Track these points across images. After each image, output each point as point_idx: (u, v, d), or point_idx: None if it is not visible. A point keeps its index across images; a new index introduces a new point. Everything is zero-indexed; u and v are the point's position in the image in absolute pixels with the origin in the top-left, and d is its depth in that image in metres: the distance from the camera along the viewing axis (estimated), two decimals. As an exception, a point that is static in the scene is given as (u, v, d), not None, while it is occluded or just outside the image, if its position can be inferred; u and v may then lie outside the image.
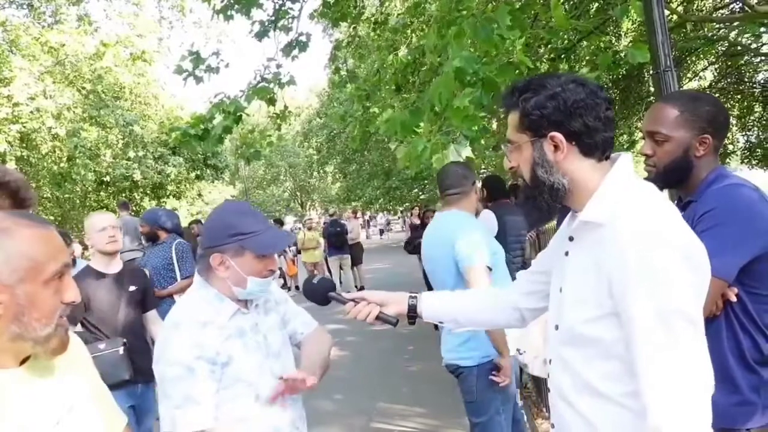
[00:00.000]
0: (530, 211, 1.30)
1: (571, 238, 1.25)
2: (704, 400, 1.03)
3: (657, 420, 1.02)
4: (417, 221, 12.19)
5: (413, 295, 1.59)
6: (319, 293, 1.63)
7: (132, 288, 3.11)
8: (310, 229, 12.33)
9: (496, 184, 4.61)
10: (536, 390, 4.65)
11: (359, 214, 22.17)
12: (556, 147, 1.19)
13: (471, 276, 2.46)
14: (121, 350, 2.91)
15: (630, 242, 1.06)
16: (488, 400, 2.55)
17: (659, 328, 1.02)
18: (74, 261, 4.95)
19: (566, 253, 1.27)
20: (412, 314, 1.57)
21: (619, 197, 1.14)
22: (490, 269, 2.50)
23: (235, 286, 1.64)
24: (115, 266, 3.11)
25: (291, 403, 1.73)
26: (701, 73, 12.77)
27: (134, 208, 16.58)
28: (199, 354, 1.53)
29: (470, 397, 2.60)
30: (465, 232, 2.56)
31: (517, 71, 3.44)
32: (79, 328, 2.95)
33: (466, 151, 3.30)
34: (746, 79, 12.33)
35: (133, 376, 2.94)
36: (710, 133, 1.63)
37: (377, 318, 1.55)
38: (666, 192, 1.82)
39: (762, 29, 8.31)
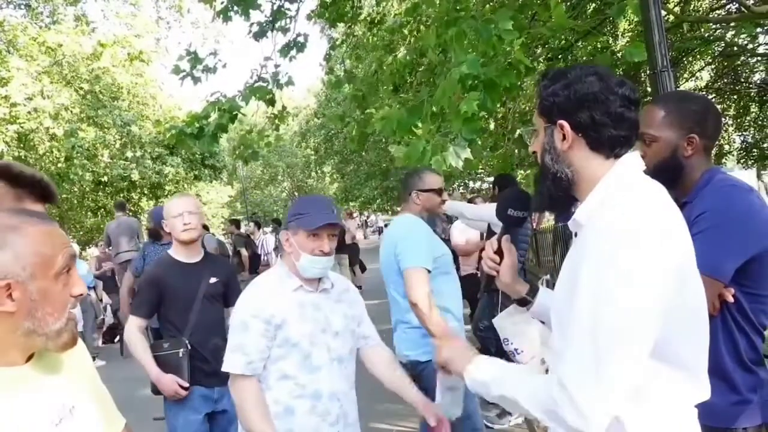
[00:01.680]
0: (539, 196, 1.31)
1: (575, 234, 1.26)
2: (615, 397, 1.03)
3: (562, 376, 1.05)
4: None
5: (534, 289, 1.49)
6: (507, 205, 1.47)
7: (213, 280, 2.79)
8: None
9: (506, 183, 4.62)
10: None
11: (355, 214, 22.14)
12: (564, 136, 1.20)
13: (406, 276, 2.60)
14: (180, 352, 2.66)
15: (593, 242, 1.07)
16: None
17: (588, 331, 1.04)
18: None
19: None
20: (530, 294, 1.47)
21: (604, 197, 1.14)
22: (429, 271, 2.60)
23: (296, 262, 1.93)
24: (196, 255, 2.82)
25: (337, 375, 1.96)
26: (698, 74, 12.79)
27: (132, 209, 16.57)
28: (255, 313, 1.86)
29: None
30: (407, 233, 2.71)
31: (515, 71, 3.45)
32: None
33: (466, 153, 3.31)
34: (742, 80, 12.36)
35: (206, 380, 2.71)
36: (697, 133, 1.63)
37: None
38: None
39: (758, 30, 8.34)
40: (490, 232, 4.45)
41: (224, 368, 1.88)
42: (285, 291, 1.93)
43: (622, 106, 1.16)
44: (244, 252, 8.90)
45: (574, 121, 1.18)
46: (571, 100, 1.18)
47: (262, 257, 10.18)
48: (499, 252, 1.45)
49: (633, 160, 1.20)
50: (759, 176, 16.99)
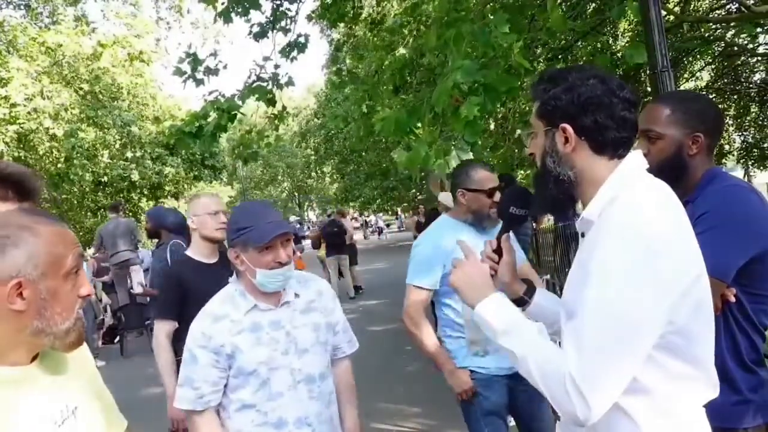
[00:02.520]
0: (539, 199, 1.33)
1: (582, 235, 1.26)
2: (614, 389, 1.05)
3: (570, 368, 1.04)
4: (423, 220, 12.18)
5: (531, 290, 1.47)
6: (509, 203, 1.49)
7: (232, 279, 2.87)
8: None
9: (506, 183, 4.64)
10: (534, 390, 4.66)
11: (351, 214, 22.12)
12: (567, 140, 1.20)
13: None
14: None
15: (606, 237, 1.08)
16: (466, 408, 2.53)
17: (601, 318, 1.05)
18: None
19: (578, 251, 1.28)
20: (527, 296, 1.45)
21: (614, 195, 1.15)
22: (427, 289, 2.47)
23: (253, 280, 1.76)
24: (215, 255, 2.78)
25: (306, 397, 1.80)
26: (698, 74, 12.79)
27: (132, 209, 16.59)
28: (204, 344, 1.73)
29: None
30: (419, 242, 2.59)
31: (515, 74, 3.45)
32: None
33: (468, 156, 3.30)
34: (742, 80, 12.35)
35: None
36: (702, 132, 1.64)
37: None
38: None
39: (758, 30, 8.33)
40: None
41: (175, 404, 1.77)
42: (237, 314, 1.77)
43: (624, 108, 1.18)
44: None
45: (578, 125, 1.19)
46: (575, 104, 1.18)
47: None
48: (498, 251, 1.44)
49: (637, 159, 1.22)
50: (747, 176, 16.96)
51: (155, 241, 5.15)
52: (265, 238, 1.69)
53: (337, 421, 1.94)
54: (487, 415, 2.50)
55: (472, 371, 2.47)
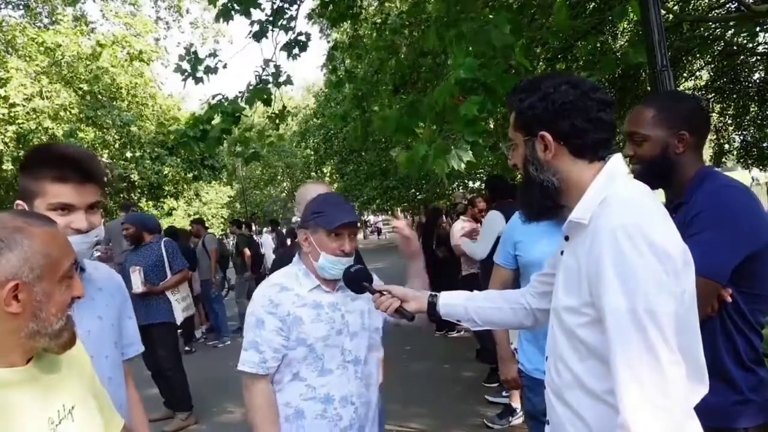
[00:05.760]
0: (526, 207, 1.34)
1: (566, 238, 1.27)
2: (673, 402, 1.02)
3: (626, 417, 1.02)
4: (423, 220, 12.18)
5: (434, 294, 1.66)
6: (356, 281, 1.74)
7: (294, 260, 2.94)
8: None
9: (498, 184, 4.68)
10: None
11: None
12: (546, 147, 1.23)
13: None
14: None
15: (606, 239, 1.08)
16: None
17: (631, 328, 1.03)
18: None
19: (561, 253, 1.29)
20: (432, 312, 1.63)
21: (604, 196, 1.16)
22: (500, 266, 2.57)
23: (315, 261, 1.87)
24: None
25: (352, 377, 1.89)
26: (697, 73, 12.78)
27: (132, 209, 16.57)
28: (271, 310, 1.82)
29: None
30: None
31: (515, 72, 3.44)
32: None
33: (468, 156, 3.29)
34: (742, 79, 12.35)
35: None
36: (687, 130, 1.65)
37: (396, 311, 1.63)
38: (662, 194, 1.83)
39: (758, 29, 8.34)
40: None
41: (239, 367, 1.84)
42: (301, 290, 1.88)
43: (600, 110, 1.20)
44: (247, 252, 8.99)
45: (555, 131, 1.21)
46: (550, 110, 1.21)
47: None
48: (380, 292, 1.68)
49: (619, 161, 1.24)
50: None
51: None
52: (335, 223, 1.82)
53: (375, 409, 2.01)
54: (528, 417, 2.49)
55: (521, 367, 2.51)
